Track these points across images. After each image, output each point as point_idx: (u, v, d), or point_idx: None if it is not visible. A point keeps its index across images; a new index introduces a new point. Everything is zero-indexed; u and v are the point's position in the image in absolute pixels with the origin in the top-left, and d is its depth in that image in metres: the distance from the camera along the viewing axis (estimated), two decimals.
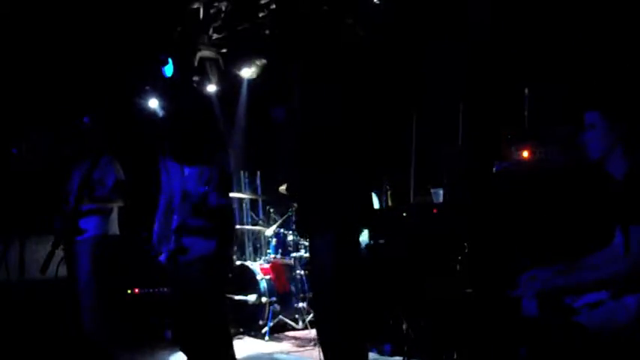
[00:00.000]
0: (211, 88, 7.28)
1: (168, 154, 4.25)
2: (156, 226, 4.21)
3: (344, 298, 3.37)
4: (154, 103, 6.93)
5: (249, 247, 8.53)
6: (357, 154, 3.59)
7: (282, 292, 6.49)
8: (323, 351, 3.46)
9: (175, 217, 4.16)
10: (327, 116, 3.65)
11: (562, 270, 2.76)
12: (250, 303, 6.44)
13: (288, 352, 5.76)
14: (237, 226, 8.40)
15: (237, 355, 4.18)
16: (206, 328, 4.12)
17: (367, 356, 3.46)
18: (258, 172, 8.71)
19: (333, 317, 3.42)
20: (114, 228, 5.10)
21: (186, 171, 4.23)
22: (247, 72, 7.32)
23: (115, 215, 5.11)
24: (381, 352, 5.21)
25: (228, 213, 4.18)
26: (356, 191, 3.57)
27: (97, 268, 4.79)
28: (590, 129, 2.72)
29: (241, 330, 6.47)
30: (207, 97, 7.05)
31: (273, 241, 6.93)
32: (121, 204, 5.04)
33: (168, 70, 6.71)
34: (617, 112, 2.69)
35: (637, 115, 2.69)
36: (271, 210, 7.61)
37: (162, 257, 4.21)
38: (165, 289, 6.44)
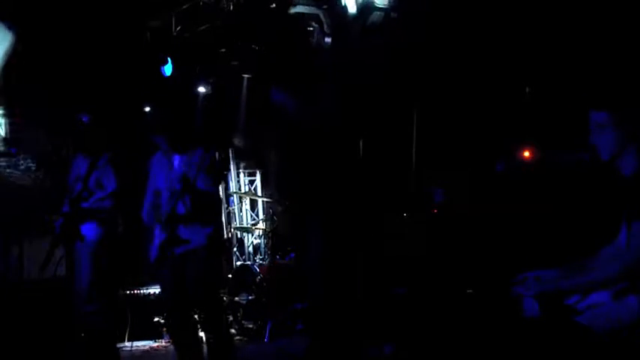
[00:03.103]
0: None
1: (164, 145, 4.25)
2: (144, 212, 4.20)
3: (335, 294, 3.38)
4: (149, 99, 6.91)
5: (249, 247, 8.52)
6: (353, 155, 3.60)
7: (282, 292, 6.48)
8: (316, 345, 3.46)
9: (165, 208, 4.15)
10: (323, 117, 3.65)
11: (563, 271, 2.74)
12: (250, 303, 6.43)
13: (287, 353, 5.75)
14: (238, 226, 8.41)
15: (237, 356, 4.17)
16: (204, 320, 4.12)
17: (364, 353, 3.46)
18: (258, 172, 8.70)
19: (324, 312, 3.42)
20: (115, 229, 5.06)
21: (176, 160, 4.24)
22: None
23: (117, 216, 5.07)
24: (382, 353, 5.19)
25: (216, 200, 4.19)
26: (351, 191, 3.58)
27: (97, 271, 4.76)
28: (598, 129, 2.67)
29: (241, 330, 6.45)
30: (197, 94, 7.11)
31: (273, 241, 6.92)
32: (116, 212, 4.96)
33: (168, 69, 6.74)
34: (625, 111, 2.64)
35: None
36: (271, 210, 7.59)
37: (152, 254, 4.19)
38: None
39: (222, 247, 4.88)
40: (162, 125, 4.29)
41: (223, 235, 4.49)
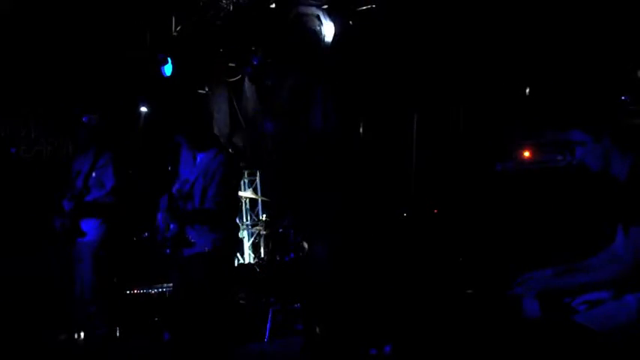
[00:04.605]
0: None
1: (185, 144, 4.25)
2: (160, 213, 4.18)
3: (340, 297, 3.39)
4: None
5: (249, 246, 8.52)
6: (353, 163, 3.62)
7: (282, 292, 6.47)
8: (314, 345, 3.46)
9: (178, 205, 4.12)
10: (327, 128, 3.66)
11: (562, 271, 2.76)
12: (250, 303, 6.42)
13: (287, 353, 5.75)
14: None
15: (237, 356, 4.16)
16: (204, 323, 4.12)
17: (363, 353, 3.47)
18: (258, 172, 8.70)
19: (328, 313, 3.43)
20: (115, 228, 5.07)
21: (198, 158, 4.24)
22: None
23: (118, 214, 5.07)
24: (382, 353, 5.19)
25: (230, 206, 4.17)
26: (353, 199, 3.59)
27: (98, 270, 4.77)
28: (580, 146, 2.71)
29: (241, 330, 6.44)
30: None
31: (273, 241, 6.92)
32: (118, 208, 4.96)
33: (168, 69, 6.75)
34: (597, 121, 2.67)
35: (619, 115, 2.69)
36: (271, 210, 7.60)
37: (167, 250, 4.18)
38: (163, 289, 6.44)
39: (233, 252, 4.85)
40: (181, 125, 4.28)
41: (236, 241, 4.43)
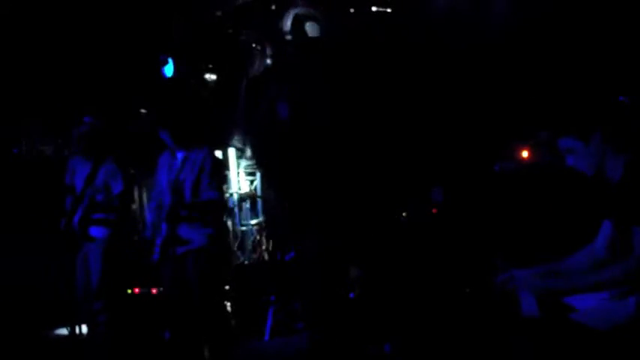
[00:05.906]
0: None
1: (169, 141, 4.27)
2: (148, 217, 4.22)
3: (332, 295, 3.41)
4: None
5: (248, 246, 8.54)
6: (352, 162, 3.64)
7: (282, 291, 6.49)
8: (313, 345, 3.50)
9: (166, 206, 4.17)
10: (322, 122, 3.68)
11: (547, 272, 2.78)
12: (251, 302, 6.44)
13: (287, 352, 5.76)
14: (237, 226, 8.42)
15: (237, 355, 4.19)
16: (201, 322, 4.15)
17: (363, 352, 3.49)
18: (258, 172, 8.71)
19: (322, 311, 3.46)
20: (123, 229, 5.10)
21: (180, 159, 4.26)
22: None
23: (125, 216, 5.10)
24: (382, 352, 5.22)
25: (219, 203, 4.21)
26: (352, 198, 3.62)
27: (106, 268, 4.81)
28: (570, 154, 2.73)
29: (241, 329, 6.47)
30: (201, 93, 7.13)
31: (273, 240, 6.94)
32: (124, 213, 4.99)
33: (169, 69, 6.75)
34: (588, 127, 2.68)
35: (608, 116, 2.70)
36: (271, 209, 7.61)
37: (154, 255, 4.21)
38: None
39: (225, 247, 4.91)
40: (166, 119, 4.30)
41: (227, 235, 4.52)
